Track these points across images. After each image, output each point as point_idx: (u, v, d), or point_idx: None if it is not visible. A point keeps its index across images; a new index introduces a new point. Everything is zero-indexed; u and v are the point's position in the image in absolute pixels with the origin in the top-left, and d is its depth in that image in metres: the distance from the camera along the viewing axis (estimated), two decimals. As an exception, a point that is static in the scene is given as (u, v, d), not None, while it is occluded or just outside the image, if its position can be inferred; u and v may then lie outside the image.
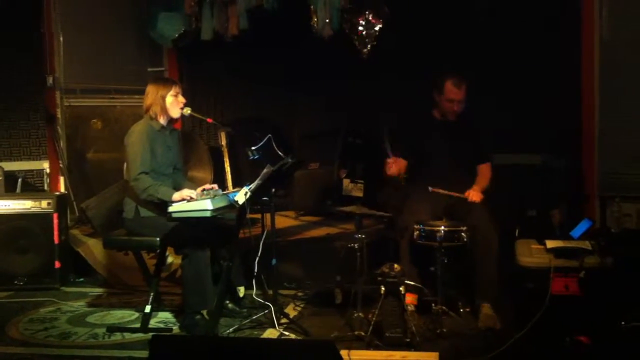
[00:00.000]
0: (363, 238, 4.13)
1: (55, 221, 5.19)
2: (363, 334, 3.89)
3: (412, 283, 4.18)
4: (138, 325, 4.26)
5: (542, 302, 3.86)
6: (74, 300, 4.94)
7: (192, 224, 4.04)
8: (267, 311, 4.24)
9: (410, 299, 4.21)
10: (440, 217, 4.29)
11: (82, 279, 5.48)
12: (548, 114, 5.41)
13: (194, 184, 4.61)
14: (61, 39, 6.11)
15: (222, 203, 4.05)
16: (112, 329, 4.27)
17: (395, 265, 3.94)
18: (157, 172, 4.28)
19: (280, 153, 4.32)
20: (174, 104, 4.35)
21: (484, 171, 4.60)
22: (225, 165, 5.38)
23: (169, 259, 5.09)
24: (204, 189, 4.20)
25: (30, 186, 5.90)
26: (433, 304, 4.07)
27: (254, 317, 4.31)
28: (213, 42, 5.66)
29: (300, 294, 4.89)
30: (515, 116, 5.48)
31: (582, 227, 4.33)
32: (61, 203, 5.34)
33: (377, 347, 3.78)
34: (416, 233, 4.17)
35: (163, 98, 4.33)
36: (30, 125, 6.03)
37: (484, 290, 4.23)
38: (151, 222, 4.25)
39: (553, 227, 4.97)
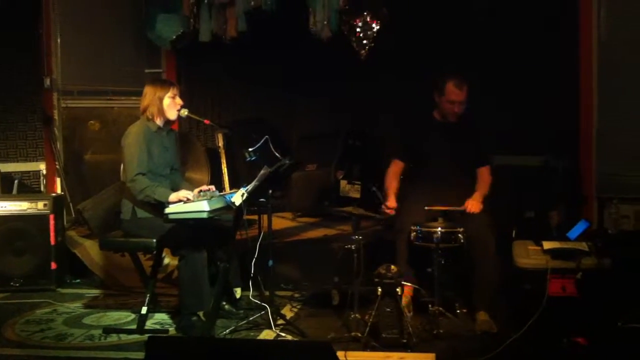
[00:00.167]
0: (360, 239, 4.12)
1: (52, 222, 5.18)
2: (360, 335, 3.89)
3: (408, 284, 4.18)
4: (134, 326, 4.25)
5: (539, 303, 3.84)
6: (70, 302, 4.92)
7: (189, 225, 4.04)
8: (263, 312, 4.24)
9: (405, 299, 4.19)
10: (436, 218, 4.27)
11: (78, 280, 5.47)
12: (547, 114, 5.39)
13: (191, 185, 4.60)
14: (59, 40, 6.12)
15: (219, 204, 4.04)
16: (108, 330, 4.26)
17: (392, 267, 3.94)
18: (154, 173, 4.26)
19: (277, 154, 4.32)
20: (172, 105, 4.34)
21: (484, 176, 4.49)
22: (223, 167, 5.36)
23: (166, 260, 5.08)
24: (200, 190, 4.19)
25: (26, 187, 5.89)
26: (430, 305, 4.06)
27: (251, 319, 4.31)
28: (211, 44, 5.66)
29: (297, 295, 4.88)
30: (515, 116, 5.46)
31: (578, 228, 4.32)
32: (58, 204, 5.33)
33: (373, 348, 3.77)
34: (413, 234, 4.16)
35: (160, 99, 4.31)
36: (27, 126, 6.02)
37: (481, 296, 4.21)
38: (148, 223, 4.24)
39: (550, 228, 4.96)
